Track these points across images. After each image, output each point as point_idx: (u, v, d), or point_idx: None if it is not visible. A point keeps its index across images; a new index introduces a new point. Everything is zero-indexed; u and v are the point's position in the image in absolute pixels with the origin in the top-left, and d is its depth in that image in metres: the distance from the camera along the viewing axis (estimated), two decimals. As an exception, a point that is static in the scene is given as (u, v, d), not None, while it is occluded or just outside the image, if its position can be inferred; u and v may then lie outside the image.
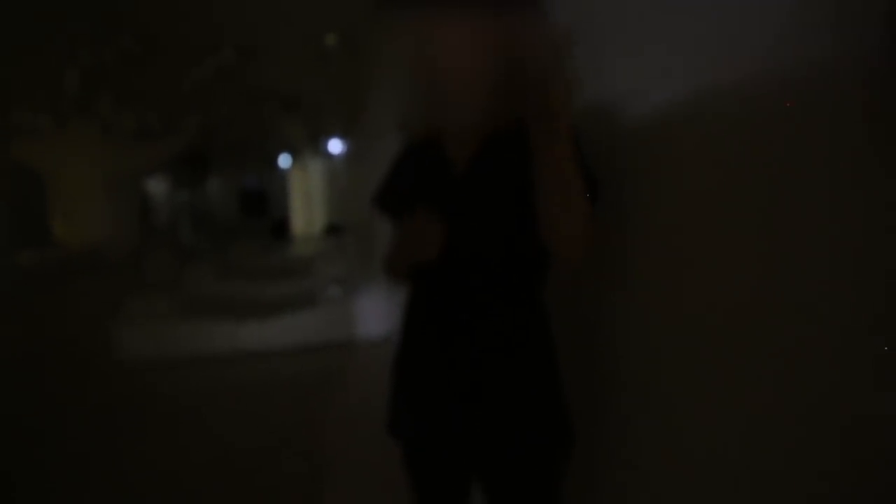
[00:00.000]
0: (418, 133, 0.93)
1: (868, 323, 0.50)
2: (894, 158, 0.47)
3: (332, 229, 9.84)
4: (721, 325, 0.69)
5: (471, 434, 0.85)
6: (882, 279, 0.48)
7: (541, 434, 0.86)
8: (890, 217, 0.47)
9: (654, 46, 0.80)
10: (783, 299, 0.59)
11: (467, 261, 0.84)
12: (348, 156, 8.14)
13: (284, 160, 12.59)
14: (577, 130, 0.84)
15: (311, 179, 12.06)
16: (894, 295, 0.48)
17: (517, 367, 0.85)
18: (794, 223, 0.57)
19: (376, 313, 3.88)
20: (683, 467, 0.78)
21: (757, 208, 0.62)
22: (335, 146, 8.41)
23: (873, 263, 0.50)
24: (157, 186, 12.71)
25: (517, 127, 0.78)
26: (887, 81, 0.46)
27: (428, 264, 0.83)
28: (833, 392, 0.54)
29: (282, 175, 13.39)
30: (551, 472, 0.88)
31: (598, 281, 0.99)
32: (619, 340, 0.94)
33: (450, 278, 0.86)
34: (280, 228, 12.22)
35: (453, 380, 0.86)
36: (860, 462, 0.50)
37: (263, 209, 15.29)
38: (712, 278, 0.71)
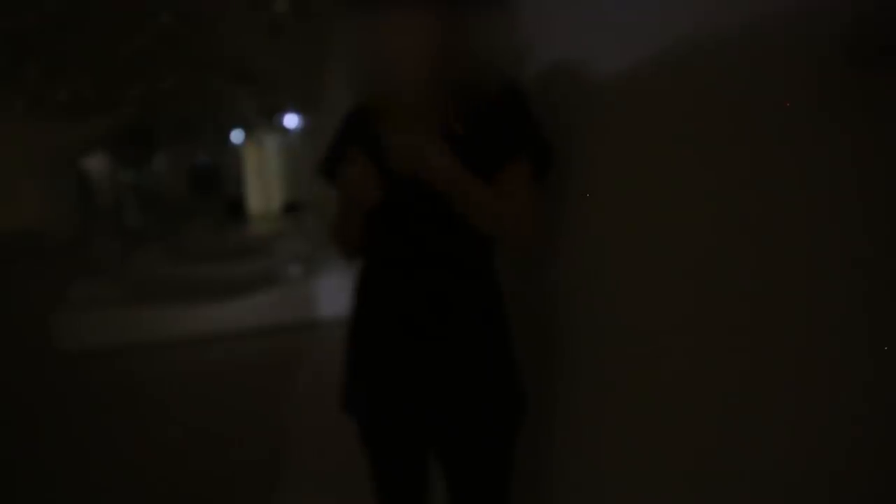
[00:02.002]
0: (362, 103, 0.92)
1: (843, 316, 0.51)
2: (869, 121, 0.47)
3: (290, 207, 9.53)
4: (674, 296, 0.70)
5: (426, 410, 0.86)
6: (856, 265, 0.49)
7: (496, 407, 0.87)
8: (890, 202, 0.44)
9: (610, 7, 0.79)
10: (739, 271, 0.59)
11: (412, 235, 0.84)
12: (305, 131, 7.84)
13: (237, 136, 12.01)
14: (525, 97, 0.84)
15: (267, 156, 11.58)
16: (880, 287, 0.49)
17: (470, 341, 0.86)
18: (756, 190, 0.56)
19: (338, 292, 3.83)
20: (632, 435, 0.81)
21: (716, 174, 0.62)
22: (291, 121, 8.08)
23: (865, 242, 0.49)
24: (98, 165, 11.87)
25: (464, 107, 0.79)
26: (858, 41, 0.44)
27: (373, 210, 0.83)
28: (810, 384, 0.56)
29: (235, 151, 12.78)
30: (506, 442, 0.90)
31: (553, 250, 1.00)
32: (570, 309, 0.95)
33: (396, 253, 0.86)
34: (235, 207, 11.74)
35: (406, 356, 0.86)
36: (855, 462, 0.49)
37: (216, 187, 14.57)
38: (668, 248, 0.71)
